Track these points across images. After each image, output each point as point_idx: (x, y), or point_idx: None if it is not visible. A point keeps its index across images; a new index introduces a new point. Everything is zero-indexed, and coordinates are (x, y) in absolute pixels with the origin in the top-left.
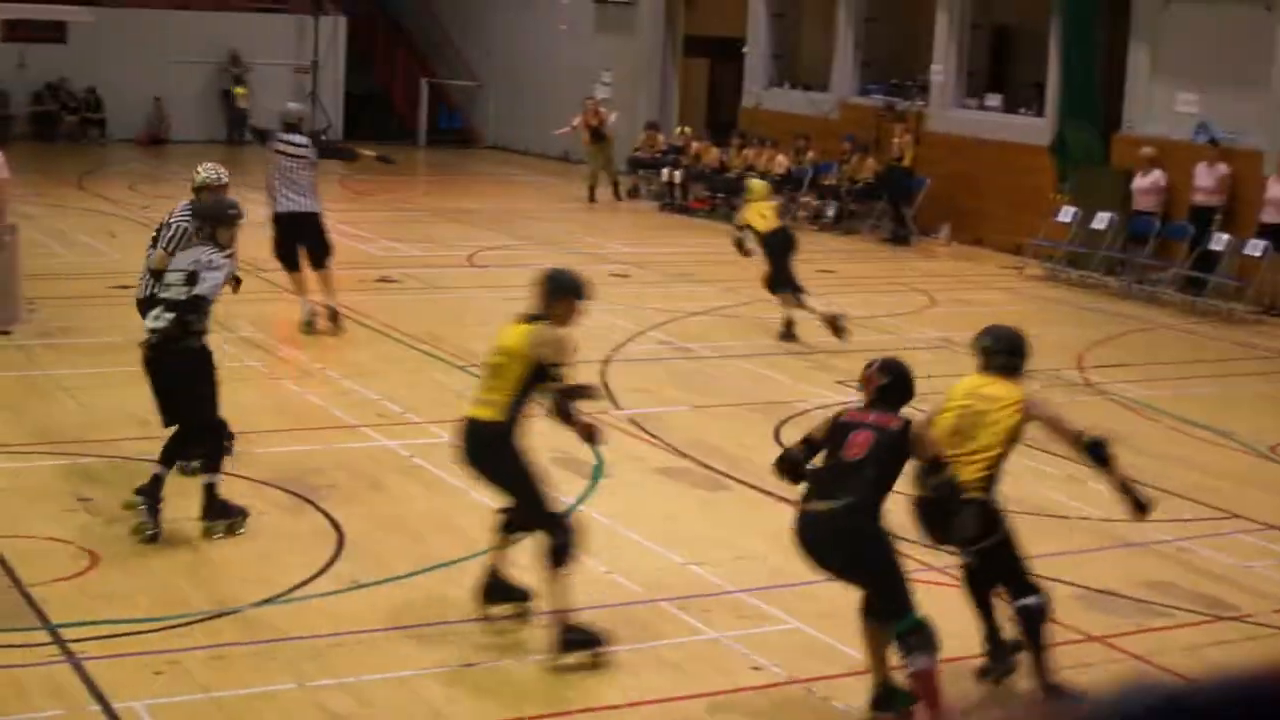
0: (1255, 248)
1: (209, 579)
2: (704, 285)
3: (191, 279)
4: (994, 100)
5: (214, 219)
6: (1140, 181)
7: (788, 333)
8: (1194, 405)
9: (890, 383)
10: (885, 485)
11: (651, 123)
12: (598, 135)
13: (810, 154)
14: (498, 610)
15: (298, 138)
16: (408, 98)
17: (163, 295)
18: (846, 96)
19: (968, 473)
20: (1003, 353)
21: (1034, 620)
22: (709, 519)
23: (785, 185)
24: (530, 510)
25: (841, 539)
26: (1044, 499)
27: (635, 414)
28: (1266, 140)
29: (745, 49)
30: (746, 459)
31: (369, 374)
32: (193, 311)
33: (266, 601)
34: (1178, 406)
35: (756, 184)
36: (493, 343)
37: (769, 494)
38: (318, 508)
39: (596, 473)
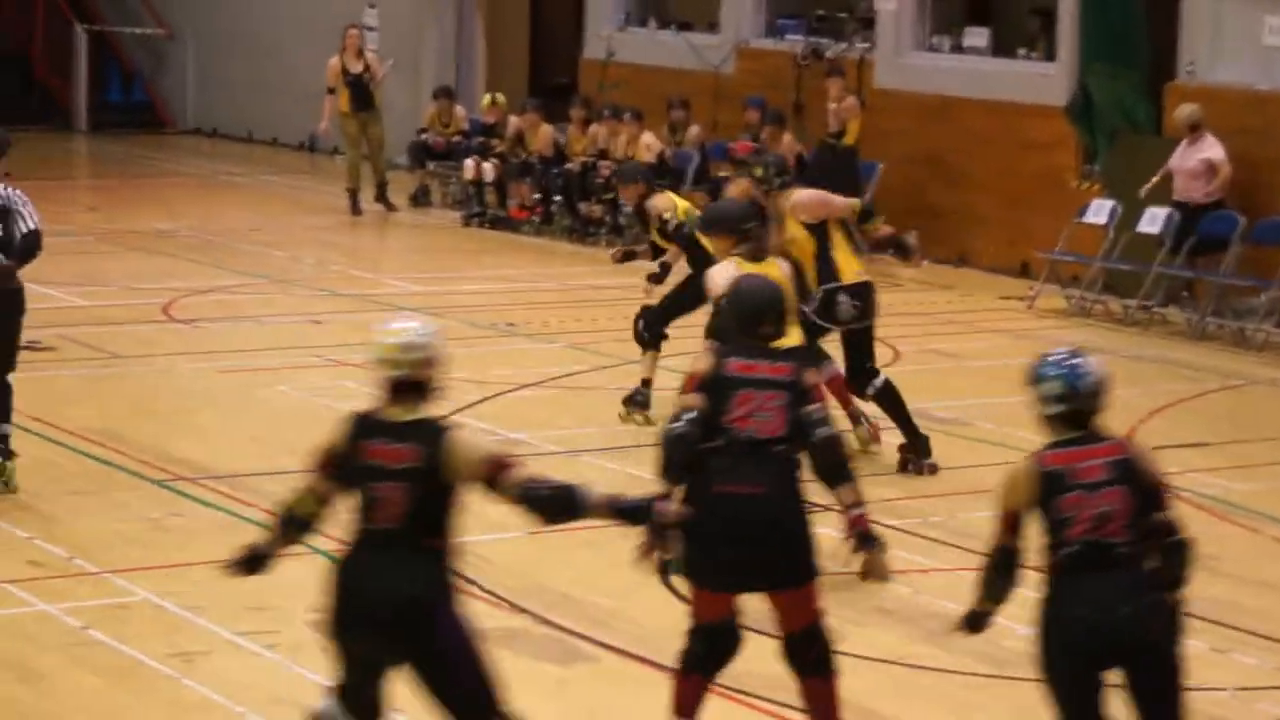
0: None
1: None
2: (538, 341)
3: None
4: (977, 37)
5: None
6: (1183, 157)
7: (638, 398)
8: None
9: None
10: None
11: (444, 89)
12: (361, 98)
13: (694, 130)
14: None
15: None
16: (54, 58)
17: None
18: (746, 39)
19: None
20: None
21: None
22: (569, 711)
23: (659, 178)
24: None
25: None
26: None
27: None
28: None
29: None
30: (616, 610)
31: (14, 500)
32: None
33: None
34: None
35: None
36: None
37: (654, 664)
38: None
39: None
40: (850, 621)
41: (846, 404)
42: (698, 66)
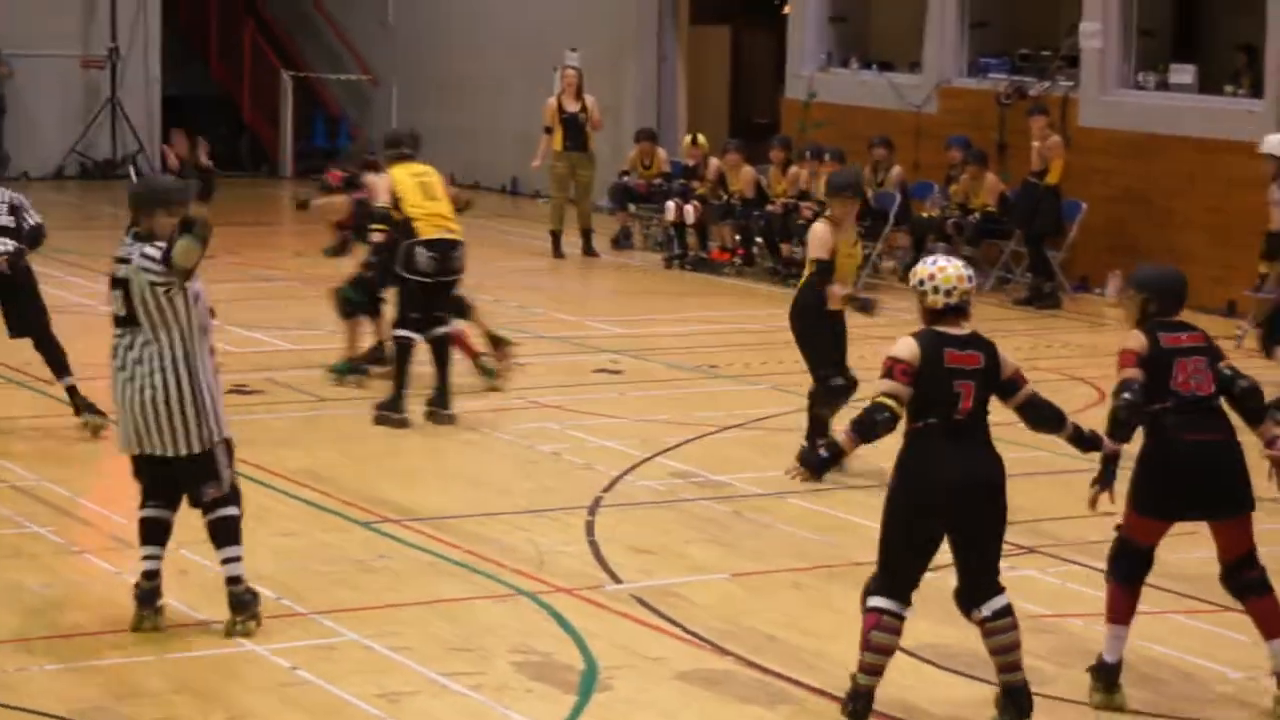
0: None
1: None
2: (740, 383)
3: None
4: (1183, 74)
5: None
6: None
7: None
8: None
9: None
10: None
11: (646, 131)
12: (575, 139)
13: (895, 169)
14: None
15: None
16: (262, 103)
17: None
18: (948, 78)
19: None
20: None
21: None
22: None
23: (860, 218)
24: None
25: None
26: None
27: (640, 588)
28: None
29: (787, 6)
30: (818, 653)
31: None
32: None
33: None
34: None
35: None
36: None
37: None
38: None
39: (588, 682)
40: None
41: (472, 354)
42: (899, 106)
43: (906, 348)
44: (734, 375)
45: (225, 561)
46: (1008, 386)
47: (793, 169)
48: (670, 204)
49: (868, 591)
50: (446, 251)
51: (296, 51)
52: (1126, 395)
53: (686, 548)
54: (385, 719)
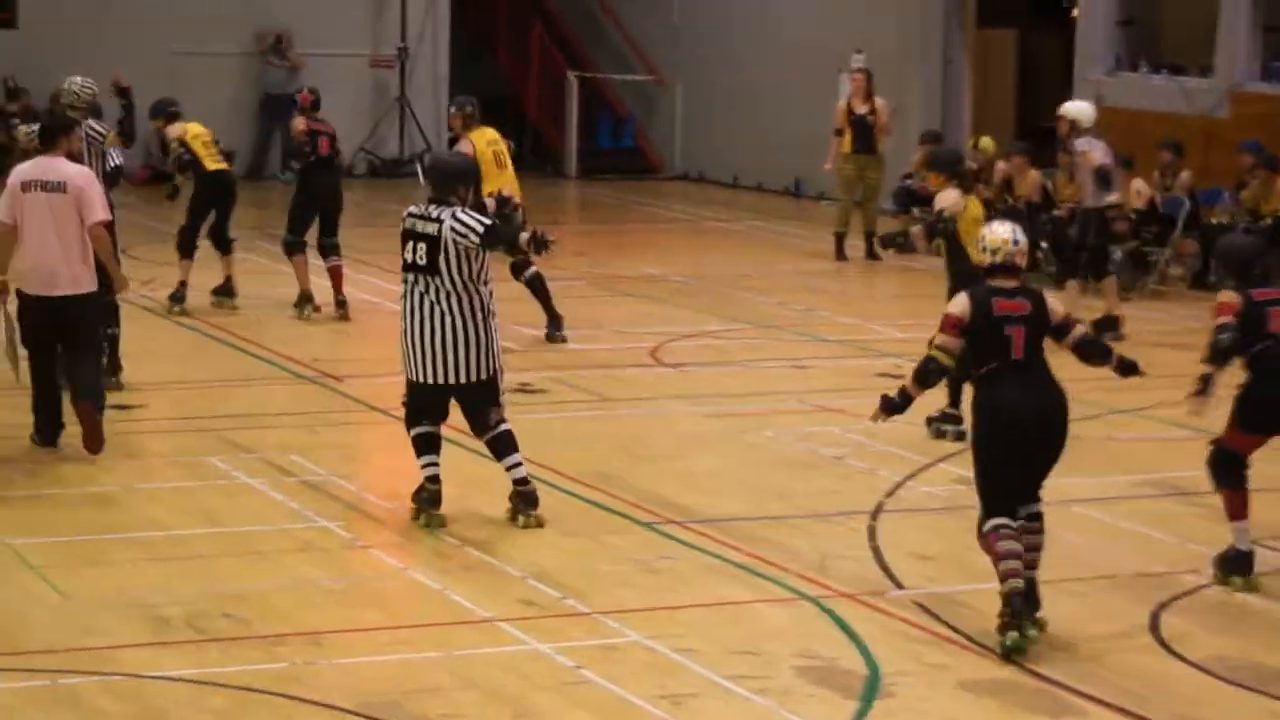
0: None
1: None
2: None
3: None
4: None
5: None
6: None
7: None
8: None
9: None
10: None
11: (931, 133)
12: (864, 140)
13: (1185, 175)
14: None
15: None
16: (547, 102)
17: None
18: (1240, 82)
19: None
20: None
21: None
22: None
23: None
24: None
25: None
26: None
27: (924, 594)
28: None
29: (1075, 9)
30: (1100, 662)
31: (507, 538)
32: None
33: None
34: None
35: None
36: None
37: (1139, 717)
38: None
39: (870, 687)
40: None
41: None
42: (1188, 111)
43: (958, 304)
44: None
45: (511, 467)
46: (1060, 329)
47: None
48: None
49: (981, 525)
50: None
51: (583, 51)
52: (1225, 334)
53: (969, 554)
54: None
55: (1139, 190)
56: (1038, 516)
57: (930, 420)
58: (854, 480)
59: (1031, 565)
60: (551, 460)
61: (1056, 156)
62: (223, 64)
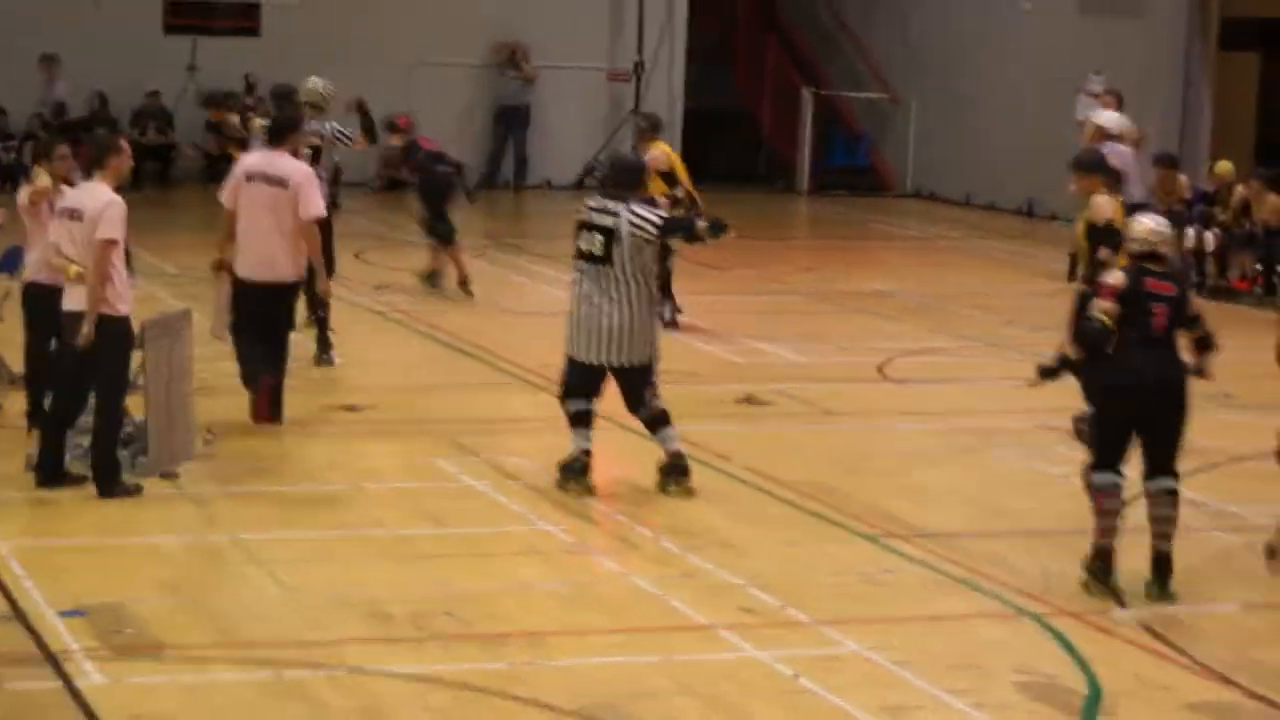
0: None
1: None
2: (1255, 414)
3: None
4: None
5: None
6: None
7: None
8: None
9: None
10: None
11: (1167, 155)
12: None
13: None
14: None
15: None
16: (782, 118)
17: None
18: None
19: None
20: None
21: None
22: None
23: None
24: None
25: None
26: None
27: (1148, 615)
28: None
29: None
30: None
31: (728, 546)
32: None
33: None
34: None
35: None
36: None
37: None
38: None
39: (1091, 706)
40: None
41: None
42: None
43: (1115, 275)
44: (1249, 405)
45: (665, 440)
46: (1192, 321)
47: None
48: (1190, 230)
49: (1087, 475)
50: None
51: (818, 68)
52: None
53: (1194, 577)
54: None
55: None
56: (1172, 492)
57: (1075, 420)
58: (1079, 499)
59: (1163, 536)
60: (776, 471)
61: None
62: (458, 75)
